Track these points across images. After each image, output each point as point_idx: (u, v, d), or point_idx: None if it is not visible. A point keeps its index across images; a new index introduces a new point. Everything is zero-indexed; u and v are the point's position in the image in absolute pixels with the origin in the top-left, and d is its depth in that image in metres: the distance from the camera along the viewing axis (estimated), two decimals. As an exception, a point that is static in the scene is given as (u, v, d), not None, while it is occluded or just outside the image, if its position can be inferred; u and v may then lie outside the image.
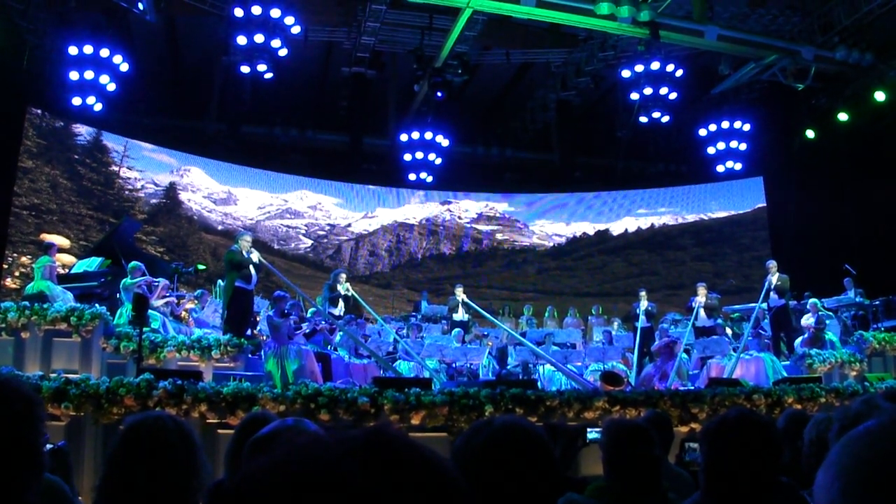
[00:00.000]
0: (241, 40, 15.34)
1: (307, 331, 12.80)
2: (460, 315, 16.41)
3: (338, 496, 0.80)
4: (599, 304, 19.77)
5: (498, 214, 25.03)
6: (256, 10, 15.06)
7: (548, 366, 13.84)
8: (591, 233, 24.54)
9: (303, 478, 0.82)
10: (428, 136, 19.71)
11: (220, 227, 21.79)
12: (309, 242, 23.45)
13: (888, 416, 0.94)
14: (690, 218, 24.34)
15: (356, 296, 14.64)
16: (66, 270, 13.86)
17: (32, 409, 1.85)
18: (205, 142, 21.62)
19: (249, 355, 12.16)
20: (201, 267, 15.44)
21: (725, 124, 19.96)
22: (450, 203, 24.96)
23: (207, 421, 8.40)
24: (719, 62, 18.58)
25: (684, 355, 14.29)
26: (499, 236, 24.79)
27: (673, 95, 17.27)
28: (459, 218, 24.98)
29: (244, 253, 12.57)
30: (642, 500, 3.40)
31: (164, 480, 2.29)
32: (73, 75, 15.58)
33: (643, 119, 17.96)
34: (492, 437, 1.83)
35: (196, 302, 14.67)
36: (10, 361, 10.29)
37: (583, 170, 24.30)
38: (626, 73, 17.56)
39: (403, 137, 20.10)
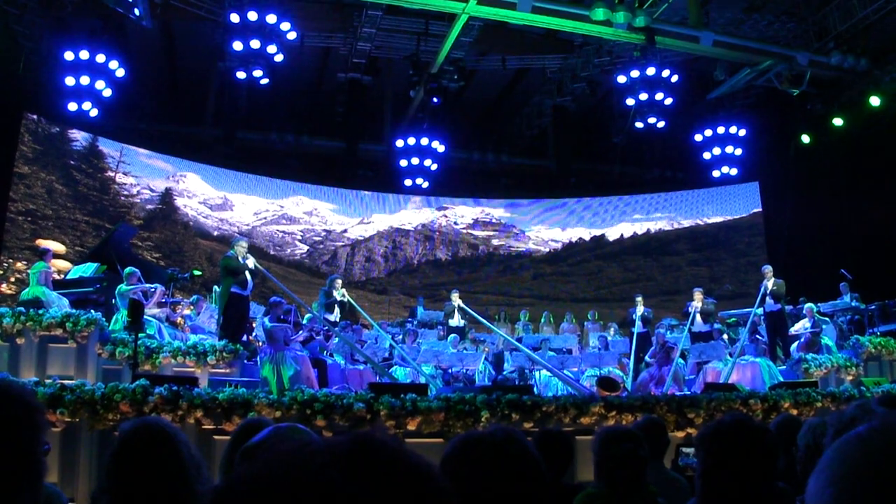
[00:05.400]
0: (238, 46, 15.37)
1: (303, 337, 12.80)
2: (456, 321, 16.42)
3: None
4: (595, 310, 19.79)
5: (494, 220, 25.04)
6: (252, 15, 15.09)
7: (544, 371, 13.83)
8: (587, 238, 24.55)
9: (286, 486, 0.81)
10: (424, 141, 19.74)
11: (215, 233, 21.76)
12: (305, 248, 23.44)
13: (879, 422, 0.93)
14: (686, 223, 24.37)
15: (352, 301, 14.63)
16: (62, 276, 13.83)
17: (33, 416, 1.84)
18: (201, 147, 21.61)
19: (245, 361, 12.12)
20: (197, 273, 15.41)
21: (721, 129, 20.03)
22: (446, 209, 24.96)
23: (203, 427, 8.37)
24: (715, 68, 18.64)
25: (681, 360, 14.30)
26: (495, 242, 24.79)
27: (668, 101, 17.34)
28: (455, 224, 24.98)
29: (240, 259, 12.55)
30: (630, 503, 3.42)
31: (160, 487, 2.28)
32: (69, 81, 15.58)
33: (639, 124, 18.04)
34: (483, 457, 1.81)
35: (192, 308, 14.65)
36: (5, 367, 10.27)
37: (579, 175, 24.31)
38: (621, 79, 17.62)
39: (399, 143, 20.13)
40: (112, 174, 19.92)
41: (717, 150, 20.36)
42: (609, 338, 16.34)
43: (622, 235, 24.56)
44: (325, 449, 0.85)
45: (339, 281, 14.90)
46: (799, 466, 3.32)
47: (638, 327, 15.93)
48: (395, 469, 0.84)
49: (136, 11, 16.01)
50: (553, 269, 24.42)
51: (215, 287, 14.81)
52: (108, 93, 16.09)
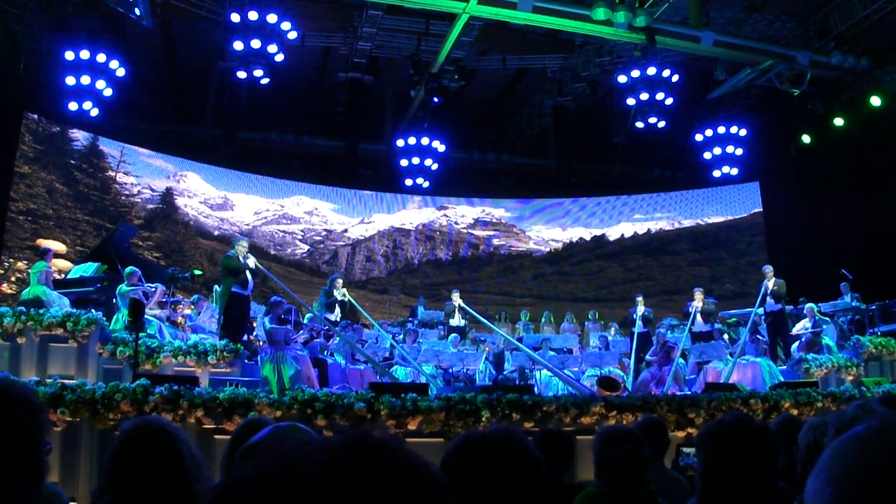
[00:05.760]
0: (238, 45, 15.37)
1: (304, 338, 12.80)
2: (457, 320, 16.41)
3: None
4: (596, 310, 19.78)
5: (494, 220, 25.03)
6: (253, 15, 15.09)
7: (545, 371, 13.83)
8: (588, 238, 24.54)
9: (285, 484, 0.81)
10: (424, 141, 19.73)
11: (216, 233, 21.76)
12: (305, 248, 23.44)
13: (878, 421, 0.93)
14: (687, 223, 24.36)
15: (353, 301, 14.64)
16: (63, 276, 13.83)
17: (35, 416, 1.85)
18: (201, 147, 21.61)
19: (246, 361, 12.13)
20: (197, 272, 15.40)
21: (722, 129, 20.01)
22: (446, 208, 24.96)
23: (204, 426, 8.37)
24: (715, 67, 18.65)
25: (681, 360, 14.30)
26: (495, 242, 24.79)
27: (669, 101, 17.32)
28: (456, 223, 24.98)
29: (241, 258, 12.55)
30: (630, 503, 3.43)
31: (160, 487, 2.28)
32: (70, 80, 15.58)
33: (639, 124, 18.03)
34: (484, 456, 1.81)
35: (192, 307, 14.64)
36: (6, 367, 10.27)
37: (579, 175, 24.30)
38: (622, 79, 17.61)
39: (400, 143, 20.12)
40: (112, 174, 19.91)
41: (717, 150, 20.35)
42: (610, 338, 16.34)
43: (623, 235, 24.55)
44: (323, 448, 0.84)
45: (340, 280, 14.90)
46: (800, 466, 3.32)
47: (638, 327, 15.93)
48: (393, 467, 0.84)
49: (137, 11, 16.02)
50: (553, 268, 24.42)
51: (216, 287, 14.81)
52: (108, 92, 16.09)
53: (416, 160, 20.09)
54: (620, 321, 19.03)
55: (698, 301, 15.35)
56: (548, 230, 24.73)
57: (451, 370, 13.69)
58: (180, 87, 21.45)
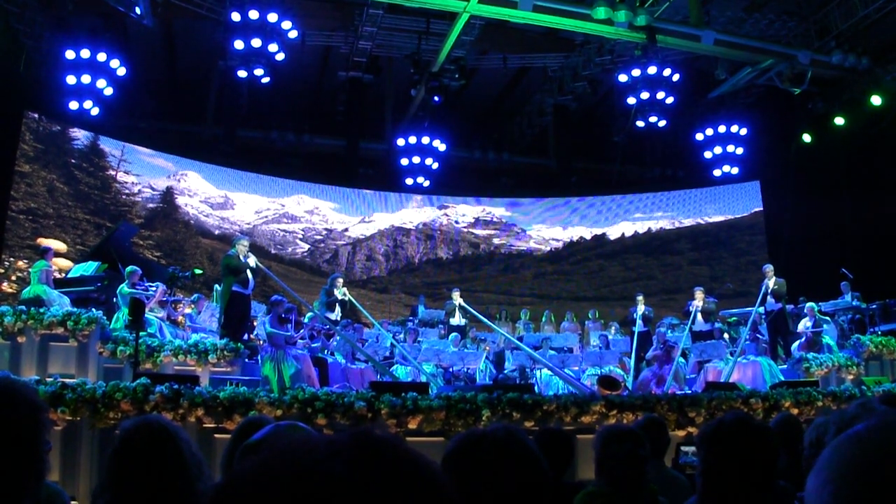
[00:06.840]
0: (239, 45, 15.37)
1: (305, 341, 12.80)
2: (457, 319, 16.41)
3: (323, 499, 0.79)
4: (596, 309, 19.76)
5: (495, 219, 25.02)
6: (254, 14, 15.09)
7: (545, 370, 13.83)
8: (588, 237, 24.53)
9: (288, 480, 0.81)
10: (425, 140, 19.73)
11: (216, 232, 21.76)
12: (306, 247, 23.43)
13: (878, 419, 0.93)
14: (687, 222, 24.35)
15: (353, 300, 14.65)
16: (63, 275, 13.83)
17: (36, 415, 1.85)
18: (202, 146, 21.60)
19: (246, 360, 12.13)
20: (198, 271, 15.40)
21: (722, 129, 19.99)
22: (447, 207, 24.94)
23: (204, 425, 8.38)
24: (716, 66, 18.65)
25: (681, 359, 14.30)
26: (496, 241, 24.77)
27: (670, 100, 17.32)
28: (456, 222, 24.97)
29: (241, 257, 12.56)
30: (631, 502, 3.44)
31: (160, 486, 2.28)
32: (70, 79, 15.58)
33: (640, 123, 18.02)
34: (485, 455, 1.81)
35: (193, 307, 14.64)
36: (6, 366, 10.28)
37: (580, 174, 24.29)
38: (622, 78, 17.59)
39: (400, 142, 20.12)
40: (113, 173, 19.90)
41: (718, 149, 20.33)
42: (610, 337, 16.35)
43: (623, 234, 24.54)
44: (326, 444, 0.85)
45: (341, 280, 14.90)
46: (804, 464, 3.33)
47: (639, 326, 15.92)
48: (396, 462, 0.84)
49: (137, 10, 16.02)
50: (554, 267, 24.40)
51: (216, 286, 14.81)
52: (109, 91, 16.10)
53: (416, 159, 20.09)
54: (621, 320, 19.03)
55: (699, 300, 15.35)
56: (548, 229, 24.72)
57: (451, 369, 13.68)
58: (181, 86, 21.44)
